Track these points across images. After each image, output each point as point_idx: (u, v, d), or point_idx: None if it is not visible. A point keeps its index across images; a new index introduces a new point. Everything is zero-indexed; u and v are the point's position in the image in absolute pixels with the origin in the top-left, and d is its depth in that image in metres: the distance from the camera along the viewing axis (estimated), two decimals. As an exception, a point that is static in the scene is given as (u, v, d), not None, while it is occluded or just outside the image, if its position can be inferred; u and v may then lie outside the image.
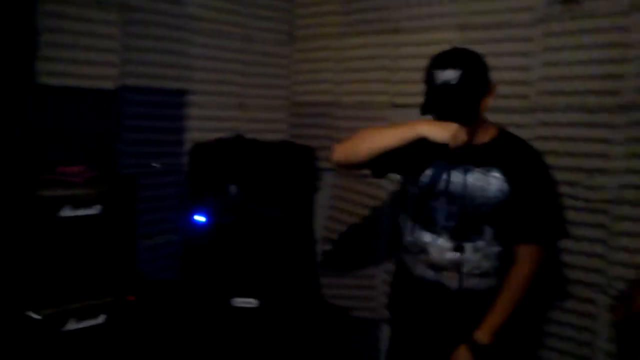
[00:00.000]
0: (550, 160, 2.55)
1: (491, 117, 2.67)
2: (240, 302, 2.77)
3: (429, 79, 2.02)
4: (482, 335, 2.05)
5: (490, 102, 2.05)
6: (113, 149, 2.86)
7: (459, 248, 2.07)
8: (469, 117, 1.99)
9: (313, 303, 3.23)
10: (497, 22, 2.72)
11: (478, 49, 2.73)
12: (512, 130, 2.61)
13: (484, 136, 2.10)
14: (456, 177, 2.08)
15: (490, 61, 2.71)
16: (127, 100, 2.88)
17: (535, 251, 2.09)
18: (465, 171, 2.07)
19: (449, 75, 1.94)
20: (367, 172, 2.31)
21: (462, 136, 1.97)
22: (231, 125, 3.33)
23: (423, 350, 2.25)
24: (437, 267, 2.13)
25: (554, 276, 2.61)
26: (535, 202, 2.05)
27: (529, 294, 2.13)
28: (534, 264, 2.08)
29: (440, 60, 2.00)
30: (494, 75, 2.70)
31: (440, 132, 1.97)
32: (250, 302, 2.77)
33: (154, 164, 3.03)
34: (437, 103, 1.98)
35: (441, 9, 2.89)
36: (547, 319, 2.65)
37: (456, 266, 2.08)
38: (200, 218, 2.84)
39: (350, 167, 2.32)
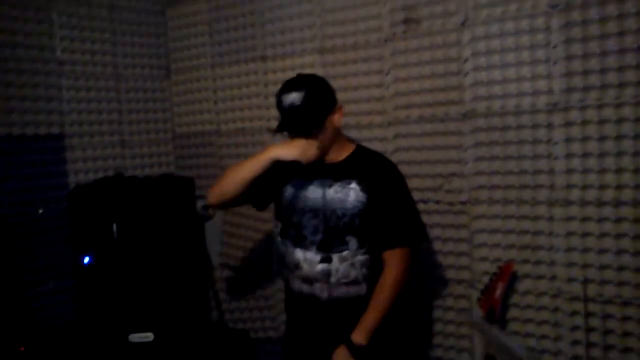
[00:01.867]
0: (411, 169, 2.75)
1: (355, 133, 2.86)
2: (138, 337, 2.79)
3: (278, 104, 2.18)
4: (358, 336, 2.14)
5: (339, 121, 2.19)
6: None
7: (327, 259, 2.18)
8: (316, 132, 2.12)
9: (213, 329, 3.28)
10: (351, 44, 2.89)
11: (337, 70, 2.93)
12: (375, 144, 2.81)
13: (343, 153, 2.24)
14: (317, 192, 2.21)
15: (350, 81, 2.91)
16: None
17: (402, 255, 2.20)
18: (326, 186, 2.20)
19: (294, 97, 2.12)
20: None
21: (311, 151, 2.11)
22: (116, 164, 3.36)
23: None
24: (309, 280, 2.23)
25: (429, 278, 2.78)
26: (393, 209, 2.19)
27: (408, 296, 2.27)
28: (402, 266, 2.20)
29: (286, 86, 2.18)
30: (354, 94, 2.89)
31: (289, 151, 2.12)
32: (148, 337, 2.80)
33: (40, 211, 3.02)
34: (286, 123, 2.15)
35: (301, 35, 3.04)
36: (428, 319, 2.81)
37: (326, 277, 2.19)
38: (87, 260, 2.85)
39: (228, 206, 2.43)
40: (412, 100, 2.74)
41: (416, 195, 2.73)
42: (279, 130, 2.16)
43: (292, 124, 2.13)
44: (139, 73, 3.48)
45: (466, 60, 2.57)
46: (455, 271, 2.72)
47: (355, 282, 2.19)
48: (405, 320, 2.34)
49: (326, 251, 2.18)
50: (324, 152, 2.18)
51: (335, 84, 2.84)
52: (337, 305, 2.20)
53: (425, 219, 2.71)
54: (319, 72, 2.95)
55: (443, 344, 2.78)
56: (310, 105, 2.11)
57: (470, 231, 2.65)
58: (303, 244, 2.23)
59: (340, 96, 2.83)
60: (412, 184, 2.74)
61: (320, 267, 2.19)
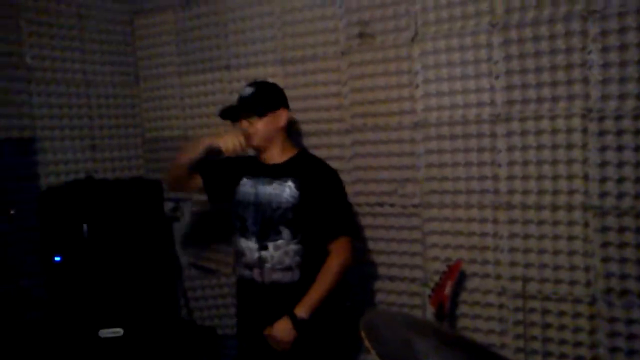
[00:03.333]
0: (367, 174, 2.91)
1: (315, 139, 3.02)
2: (107, 332, 2.91)
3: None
4: (301, 310, 2.37)
5: (282, 122, 2.48)
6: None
7: (263, 247, 2.45)
8: (251, 121, 2.46)
9: (181, 326, 3.41)
10: (310, 56, 3.04)
11: (298, 80, 3.07)
12: (334, 150, 2.96)
13: (285, 155, 2.53)
14: (259, 189, 2.50)
15: (309, 90, 3.05)
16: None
17: (345, 243, 2.45)
18: (266, 183, 2.48)
19: (246, 91, 2.52)
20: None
21: (234, 141, 2.47)
22: (86, 167, 3.47)
23: (252, 343, 2.57)
24: (250, 266, 2.50)
25: (385, 276, 2.94)
26: (329, 204, 2.45)
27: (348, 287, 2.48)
28: (346, 253, 2.45)
29: (245, 86, 2.58)
30: (314, 103, 3.03)
31: (216, 140, 2.52)
32: (117, 332, 2.92)
33: (11, 211, 3.12)
34: (232, 107, 2.54)
35: (263, 46, 3.18)
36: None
37: (263, 263, 2.45)
38: (57, 259, 2.96)
39: (181, 187, 2.76)
40: (367, 110, 2.89)
41: (372, 199, 2.92)
42: (223, 113, 2.55)
43: (236, 108, 2.51)
44: (108, 80, 3.59)
45: (416, 73, 2.73)
46: (409, 270, 2.88)
47: (289, 269, 2.44)
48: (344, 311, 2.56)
49: (263, 240, 2.44)
50: (256, 140, 2.47)
51: (295, 93, 3.03)
52: (272, 289, 2.45)
53: (381, 221, 2.91)
54: (280, 81, 3.08)
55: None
56: (255, 96, 2.48)
57: (422, 232, 2.82)
58: (246, 234, 2.50)
59: (300, 104, 3.02)
60: (369, 187, 2.93)
61: (257, 254, 2.46)
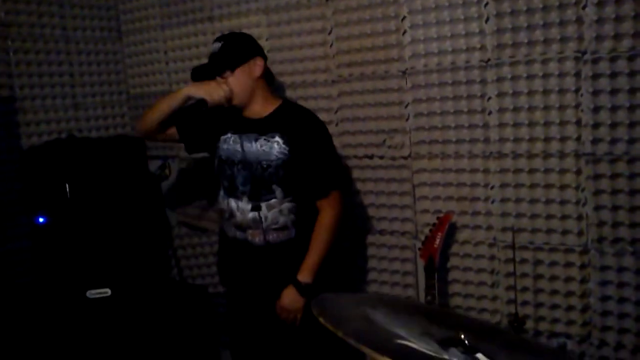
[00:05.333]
0: (355, 125, 2.84)
1: (300, 91, 2.94)
2: (95, 293, 2.88)
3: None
4: (304, 275, 2.34)
5: (257, 72, 2.38)
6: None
7: (256, 207, 2.36)
8: (226, 75, 2.36)
9: (171, 285, 3.39)
10: (294, 4, 2.92)
11: (282, 29, 2.97)
12: (320, 101, 2.88)
13: (268, 108, 2.42)
14: (246, 146, 2.38)
15: (294, 40, 2.95)
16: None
17: (333, 198, 2.39)
18: (252, 140, 2.37)
19: (215, 46, 2.41)
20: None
21: (218, 91, 2.34)
22: (69, 126, 3.39)
23: (249, 304, 2.52)
24: (243, 227, 2.42)
25: (375, 230, 2.88)
26: (317, 158, 2.36)
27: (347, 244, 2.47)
28: (336, 209, 2.40)
29: (214, 41, 2.46)
30: (299, 53, 2.94)
31: (198, 89, 2.38)
32: (105, 292, 2.89)
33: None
34: (202, 66, 2.45)
35: (246, -6, 3.06)
36: (375, 269, 2.93)
37: (257, 223, 2.36)
38: (41, 220, 2.91)
39: (152, 136, 2.58)
40: (354, 58, 2.79)
41: (360, 151, 2.85)
42: (194, 73, 2.43)
43: (207, 67, 2.40)
44: (89, 35, 3.48)
45: (403, 18, 2.62)
46: (399, 223, 2.83)
47: (284, 228, 2.37)
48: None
49: (255, 200, 2.36)
50: (235, 97, 2.37)
51: (280, 42, 2.94)
52: (269, 249, 2.38)
53: (370, 173, 2.85)
54: (264, 31, 3.00)
55: (389, 293, 2.91)
56: (224, 51, 2.36)
57: (412, 184, 2.75)
58: (235, 194, 2.41)
59: (285, 55, 2.93)
60: (357, 139, 2.85)
61: (251, 215, 2.37)
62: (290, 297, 2.34)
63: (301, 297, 2.33)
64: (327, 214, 2.38)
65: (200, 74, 2.42)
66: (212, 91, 2.34)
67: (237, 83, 2.35)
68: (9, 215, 3.10)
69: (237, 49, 2.37)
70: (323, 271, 2.38)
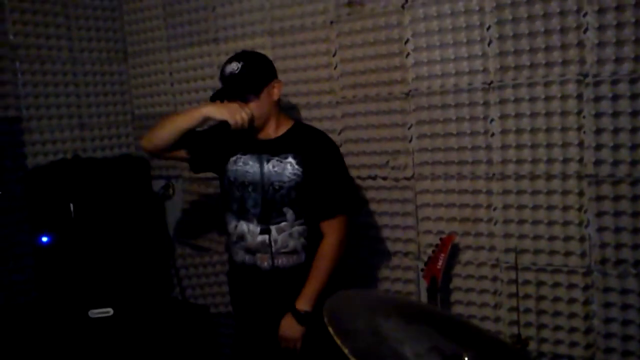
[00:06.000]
0: (358, 147, 2.86)
1: (305, 112, 2.97)
2: (97, 312, 2.88)
3: (220, 74, 2.34)
4: (302, 303, 2.29)
5: (276, 93, 2.33)
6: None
7: (266, 231, 2.31)
8: (251, 99, 2.27)
9: (173, 304, 3.38)
10: (298, 26, 2.96)
11: (286, 51, 3.00)
12: (324, 122, 2.91)
13: (281, 129, 2.38)
14: (256, 167, 2.34)
15: (299, 62, 2.98)
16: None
17: (338, 223, 2.33)
18: (264, 160, 2.33)
19: (233, 67, 2.28)
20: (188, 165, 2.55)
21: (242, 114, 2.24)
22: (74, 146, 3.41)
23: (255, 331, 2.48)
24: (252, 250, 2.37)
25: (378, 251, 2.88)
26: (328, 180, 2.31)
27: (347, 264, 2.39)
28: (339, 234, 2.33)
29: (228, 59, 2.35)
30: (303, 75, 2.97)
31: (220, 111, 2.26)
32: (107, 312, 2.88)
33: (-1, 192, 3.08)
34: (224, 90, 2.29)
35: (251, 17, 3.10)
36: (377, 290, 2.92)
37: (266, 247, 2.32)
38: (45, 239, 2.92)
39: (159, 154, 2.48)
40: (357, 80, 2.82)
41: (364, 172, 2.86)
42: (216, 97, 2.30)
43: (229, 90, 2.28)
44: (96, 56, 3.52)
45: (407, 41, 2.65)
46: (402, 244, 2.83)
47: (294, 252, 2.32)
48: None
49: (265, 223, 2.31)
50: (256, 120, 2.30)
51: (284, 64, 2.96)
52: (278, 274, 2.33)
53: (373, 194, 2.86)
54: (269, 53, 3.01)
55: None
56: (246, 73, 2.25)
57: (415, 205, 2.76)
58: (246, 217, 2.36)
59: (290, 76, 2.96)
60: (360, 160, 2.87)
61: (261, 237, 2.32)
62: (288, 326, 2.30)
63: (300, 325, 2.28)
64: (330, 239, 2.32)
65: (221, 95, 2.31)
66: (235, 114, 2.23)
67: (259, 106, 2.28)
68: (13, 233, 3.10)
69: (260, 72, 2.30)
70: (324, 297, 2.32)
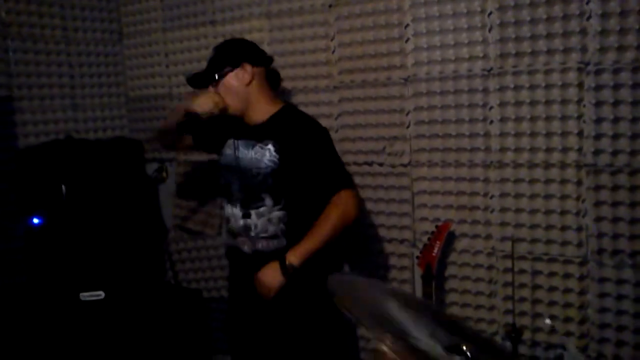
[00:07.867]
0: (355, 132, 2.83)
1: (302, 96, 2.93)
2: (88, 295, 2.85)
3: None
4: (292, 256, 2.23)
5: (246, 79, 2.33)
6: None
7: (246, 215, 2.35)
8: (213, 86, 2.37)
9: (166, 288, 3.35)
10: (297, 9, 2.92)
11: (284, 34, 2.96)
12: (321, 107, 2.87)
13: (265, 114, 2.38)
14: (242, 153, 2.37)
15: (296, 45, 2.94)
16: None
17: (345, 195, 2.26)
18: (249, 147, 2.36)
19: (210, 55, 2.42)
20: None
21: (207, 103, 2.32)
22: (67, 127, 3.36)
23: (245, 311, 2.48)
24: (234, 233, 2.41)
25: (374, 237, 2.87)
26: (310, 164, 2.26)
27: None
28: (346, 204, 2.25)
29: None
30: (301, 58, 2.93)
31: (192, 102, 2.36)
32: (99, 295, 2.86)
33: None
34: (197, 76, 2.44)
35: (249, -1, 3.06)
36: (372, 276, 2.90)
37: (248, 231, 2.35)
38: (36, 221, 2.88)
39: (173, 149, 2.82)
40: (356, 65, 2.79)
41: (360, 158, 2.84)
42: (188, 81, 2.46)
43: (199, 76, 2.42)
44: (90, 36, 3.47)
45: (407, 26, 2.62)
46: (398, 231, 2.81)
47: (274, 237, 2.33)
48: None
49: (246, 207, 2.35)
50: (230, 107, 2.35)
51: (282, 47, 2.92)
52: (260, 257, 2.33)
53: (369, 180, 2.84)
54: (266, 36, 2.99)
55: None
56: (213, 61, 2.38)
57: (411, 192, 2.74)
58: (232, 200, 2.41)
59: (287, 60, 2.92)
60: (356, 146, 2.84)
61: (242, 221, 2.36)
62: (270, 272, 2.25)
63: (282, 276, 2.23)
64: (334, 207, 2.24)
65: (194, 82, 2.44)
66: (202, 102, 2.33)
67: (227, 92, 2.34)
68: (3, 215, 3.06)
69: (224, 58, 2.36)
70: (316, 270, 2.23)
